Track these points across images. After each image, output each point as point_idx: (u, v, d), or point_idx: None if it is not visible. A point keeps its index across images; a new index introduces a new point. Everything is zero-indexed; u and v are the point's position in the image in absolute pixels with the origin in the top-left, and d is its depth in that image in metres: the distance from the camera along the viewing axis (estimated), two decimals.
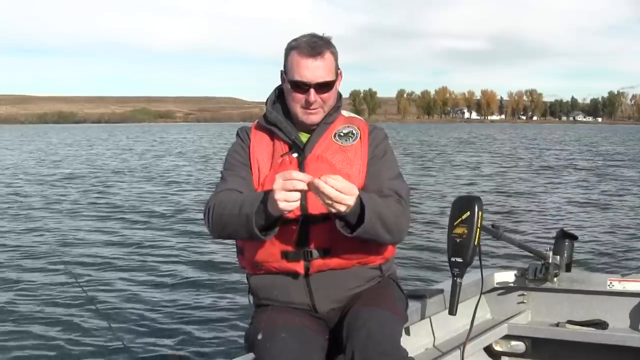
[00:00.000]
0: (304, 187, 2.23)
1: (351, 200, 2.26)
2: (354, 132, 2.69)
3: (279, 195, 2.23)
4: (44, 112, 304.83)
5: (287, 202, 2.24)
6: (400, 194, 2.59)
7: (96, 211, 16.00)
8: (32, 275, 9.25)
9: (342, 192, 2.24)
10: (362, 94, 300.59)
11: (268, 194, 2.32)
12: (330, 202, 2.24)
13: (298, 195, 2.24)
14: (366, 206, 2.34)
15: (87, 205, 17.05)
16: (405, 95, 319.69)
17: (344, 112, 2.77)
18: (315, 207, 2.46)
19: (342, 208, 2.27)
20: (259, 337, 2.46)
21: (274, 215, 2.34)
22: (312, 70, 2.56)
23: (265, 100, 2.78)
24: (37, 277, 9.11)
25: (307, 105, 2.60)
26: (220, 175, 2.74)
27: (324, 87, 2.60)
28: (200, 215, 2.68)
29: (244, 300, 7.50)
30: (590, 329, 3.73)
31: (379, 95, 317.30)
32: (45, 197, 18.95)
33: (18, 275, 9.31)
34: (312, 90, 2.58)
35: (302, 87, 2.58)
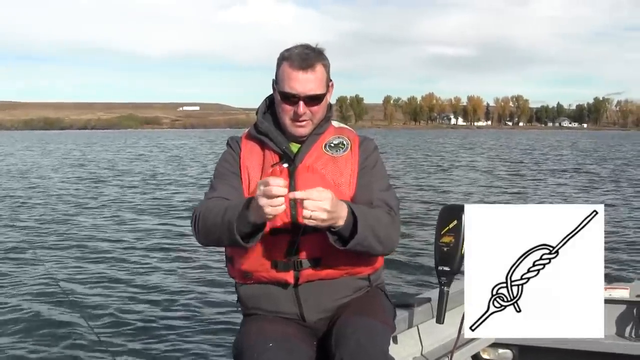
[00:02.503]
0: (285, 192, 2.20)
1: (326, 204, 2.24)
2: (344, 142, 2.70)
3: (262, 201, 2.22)
4: (30, 118, 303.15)
5: (272, 207, 2.22)
6: (391, 206, 2.60)
7: (84, 217, 15.94)
8: (20, 284, 9.20)
9: (313, 199, 2.23)
10: (348, 100, 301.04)
11: (251, 200, 2.31)
12: (309, 213, 2.24)
13: (282, 199, 2.22)
14: (359, 219, 2.36)
15: (73, 210, 17.01)
16: (391, 102, 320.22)
17: (335, 123, 2.78)
18: None
19: (323, 215, 2.25)
20: (247, 346, 2.46)
21: (258, 222, 2.34)
22: (302, 83, 2.56)
23: (255, 110, 2.78)
24: (24, 286, 9.08)
25: (296, 117, 2.60)
26: (209, 184, 2.75)
27: (314, 100, 2.60)
28: (188, 222, 2.69)
29: (232, 309, 7.49)
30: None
31: (365, 101, 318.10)
32: (34, 201, 18.89)
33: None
34: (301, 103, 2.58)
35: (291, 99, 2.58)
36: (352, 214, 2.37)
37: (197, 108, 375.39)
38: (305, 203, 2.24)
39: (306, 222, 2.29)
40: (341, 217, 2.33)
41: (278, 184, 2.20)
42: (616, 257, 10.66)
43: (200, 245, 2.67)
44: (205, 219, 2.51)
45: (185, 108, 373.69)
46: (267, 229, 2.52)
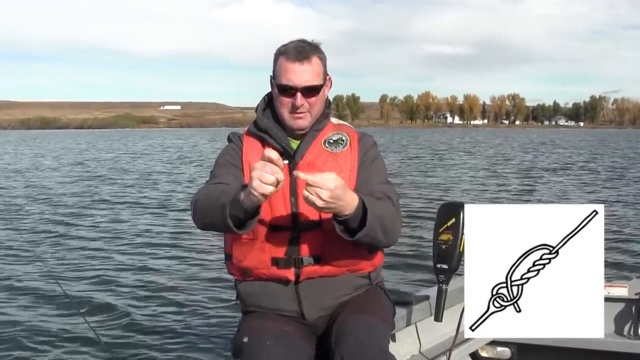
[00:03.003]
0: (281, 176, 2.18)
1: (325, 194, 2.24)
2: (343, 138, 2.71)
3: (255, 173, 2.20)
4: (27, 117, 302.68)
5: (260, 182, 2.18)
6: (392, 198, 2.60)
7: (82, 215, 15.93)
8: (19, 282, 9.19)
9: (314, 185, 2.23)
10: (345, 99, 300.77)
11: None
12: (306, 194, 2.24)
13: (273, 179, 2.17)
14: (369, 209, 2.36)
15: (72, 208, 16.99)
16: (388, 100, 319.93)
17: (333, 120, 2.79)
18: (306, 211, 2.49)
19: (318, 202, 2.24)
20: (246, 343, 2.46)
21: (249, 206, 2.30)
22: (299, 74, 2.57)
23: (255, 107, 2.78)
24: (19, 280, 9.07)
25: (294, 109, 2.61)
26: (210, 174, 2.73)
27: (311, 91, 2.61)
28: (188, 218, 2.68)
29: (231, 306, 7.50)
30: None
31: (362, 100, 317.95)
32: (32, 200, 18.87)
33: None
34: (298, 94, 2.59)
35: (288, 91, 2.59)
36: (362, 204, 2.36)
37: (179, 107, 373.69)
38: (307, 186, 2.24)
39: (306, 202, 2.28)
40: (348, 208, 2.32)
41: (274, 160, 2.19)
42: (614, 255, 10.66)
43: (200, 242, 2.67)
44: (203, 203, 2.51)
45: (166, 107, 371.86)
46: (267, 224, 2.54)
